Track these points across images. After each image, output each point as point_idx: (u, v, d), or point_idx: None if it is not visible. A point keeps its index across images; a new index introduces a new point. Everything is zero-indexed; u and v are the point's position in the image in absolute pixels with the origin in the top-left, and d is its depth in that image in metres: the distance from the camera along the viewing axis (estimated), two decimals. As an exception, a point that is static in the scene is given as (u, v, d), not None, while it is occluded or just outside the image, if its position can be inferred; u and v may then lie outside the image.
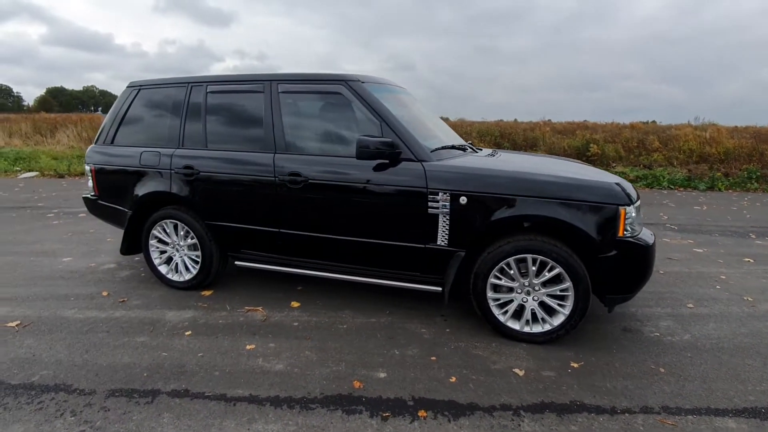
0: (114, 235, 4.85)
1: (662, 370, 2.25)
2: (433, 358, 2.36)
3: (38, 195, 7.47)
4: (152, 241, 3.28)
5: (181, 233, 3.19)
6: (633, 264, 2.36)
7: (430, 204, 2.49)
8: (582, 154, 11.61)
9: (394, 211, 2.59)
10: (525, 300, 2.49)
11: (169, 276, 3.30)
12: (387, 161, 2.56)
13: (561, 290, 2.40)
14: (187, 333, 2.62)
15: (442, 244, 2.54)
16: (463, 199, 2.43)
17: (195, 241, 3.14)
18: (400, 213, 2.58)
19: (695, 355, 2.41)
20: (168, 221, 3.18)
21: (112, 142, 3.38)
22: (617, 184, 2.37)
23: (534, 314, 2.49)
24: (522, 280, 2.46)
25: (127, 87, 3.40)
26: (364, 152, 2.46)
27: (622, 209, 2.28)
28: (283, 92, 2.87)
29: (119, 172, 3.31)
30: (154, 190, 3.13)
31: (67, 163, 10.67)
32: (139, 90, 3.32)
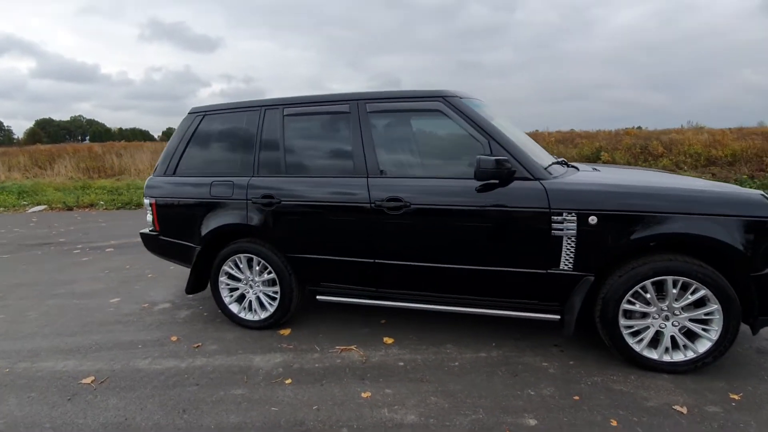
0: (155, 270, 4.56)
1: (834, 399, 2.04)
2: (576, 397, 2.12)
3: (56, 230, 7.14)
4: (222, 278, 3.03)
5: (257, 268, 2.93)
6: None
7: (553, 225, 2.29)
8: (593, 163, 11.58)
9: (511, 235, 2.38)
10: (663, 326, 2.27)
11: (242, 315, 3.03)
12: (498, 181, 2.37)
13: (705, 314, 2.20)
14: (287, 381, 2.35)
15: (566, 268, 2.32)
16: (592, 219, 2.23)
17: (273, 275, 2.88)
18: (517, 237, 2.37)
19: None
20: (242, 255, 2.93)
21: (174, 172, 3.14)
22: (763, 195, 2.20)
23: (674, 341, 2.28)
24: (660, 305, 2.25)
25: (190, 113, 3.19)
26: (485, 173, 2.27)
27: (774, 222, 2.10)
28: (372, 112, 2.67)
29: (185, 205, 3.07)
30: (229, 223, 2.89)
31: (75, 195, 10.33)
32: (204, 116, 3.12)
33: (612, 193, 2.24)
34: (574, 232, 2.26)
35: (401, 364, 2.50)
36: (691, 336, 2.27)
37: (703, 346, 2.23)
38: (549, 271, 2.35)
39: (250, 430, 1.95)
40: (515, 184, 2.36)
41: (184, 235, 3.11)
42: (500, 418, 1.98)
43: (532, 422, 1.95)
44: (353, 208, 2.61)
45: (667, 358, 2.29)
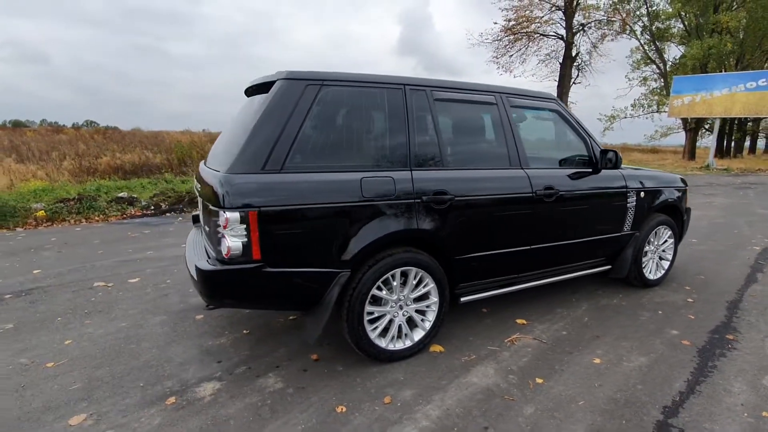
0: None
1: None
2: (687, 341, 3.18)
3: None
4: (368, 307, 2.29)
5: (413, 282, 2.41)
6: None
7: (628, 200, 3.24)
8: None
9: (610, 209, 3.17)
10: (652, 258, 3.67)
11: (392, 347, 2.40)
12: (591, 170, 3.09)
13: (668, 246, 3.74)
14: (539, 380, 2.25)
15: (626, 229, 3.34)
16: (642, 194, 3.33)
17: (429, 287, 2.47)
18: (612, 210, 3.19)
19: None
20: (398, 271, 2.33)
21: (281, 166, 2.04)
22: (681, 178, 3.91)
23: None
24: (655, 243, 3.62)
25: (296, 80, 2.12)
26: (607, 164, 2.94)
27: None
28: (513, 106, 2.77)
29: (321, 213, 2.08)
30: (395, 230, 2.23)
31: None
32: (321, 86, 2.17)
33: (646, 176, 3.41)
34: (634, 203, 3.30)
35: (564, 333, 2.83)
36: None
37: (666, 265, 3.77)
38: (622, 233, 3.30)
39: (613, 425, 1.91)
40: (604, 172, 3.14)
41: (314, 260, 2.10)
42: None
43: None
44: (520, 199, 2.67)
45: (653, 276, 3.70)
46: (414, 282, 2.42)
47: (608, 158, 3.01)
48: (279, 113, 2.07)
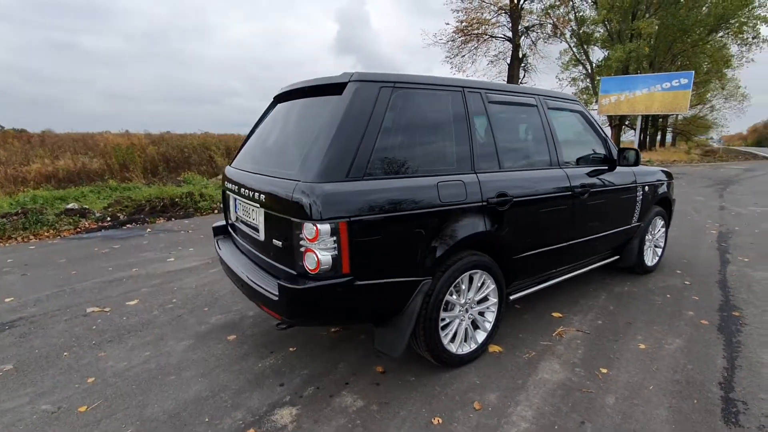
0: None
1: None
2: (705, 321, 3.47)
3: None
4: (442, 314, 2.26)
5: (477, 284, 2.42)
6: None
7: (638, 194, 3.50)
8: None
9: (625, 203, 3.39)
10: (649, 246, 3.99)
11: (460, 351, 2.39)
12: (607, 167, 3.29)
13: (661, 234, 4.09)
14: (603, 370, 2.36)
15: (635, 221, 3.60)
16: (647, 188, 3.61)
17: (490, 289, 2.49)
18: (626, 204, 3.41)
19: None
20: (467, 275, 2.32)
21: (364, 173, 1.93)
22: (662, 170, 4.27)
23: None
24: (652, 232, 3.94)
25: (367, 81, 2.00)
26: (624, 162, 3.16)
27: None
28: (549, 108, 2.86)
29: (409, 220, 2.00)
30: (470, 234, 2.21)
31: None
32: (393, 89, 2.08)
33: (647, 172, 3.68)
34: (641, 197, 3.56)
35: (600, 322, 2.99)
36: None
37: (659, 252, 4.13)
38: (630, 225, 3.55)
39: (690, 406, 2.05)
40: (618, 169, 3.36)
41: (399, 269, 2.02)
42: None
43: None
44: (562, 198, 2.77)
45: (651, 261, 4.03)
46: (478, 285, 2.42)
47: (625, 156, 3.22)
48: (358, 117, 1.95)
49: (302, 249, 1.86)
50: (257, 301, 2.13)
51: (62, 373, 2.40)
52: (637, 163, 3.28)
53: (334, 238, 1.81)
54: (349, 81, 2.03)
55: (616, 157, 3.25)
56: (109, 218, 6.80)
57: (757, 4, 20.36)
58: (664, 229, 4.07)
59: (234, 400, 2.15)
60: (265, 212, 2.11)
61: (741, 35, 21.84)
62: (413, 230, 2.04)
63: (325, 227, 1.79)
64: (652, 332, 2.83)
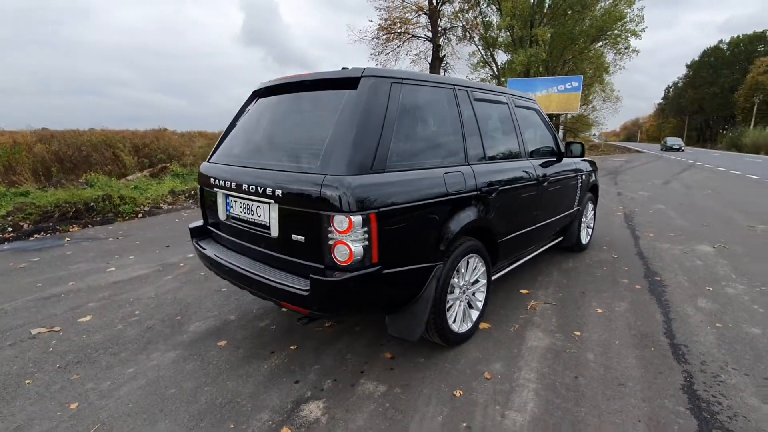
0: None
1: None
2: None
3: None
4: (448, 296, 2.43)
5: (472, 268, 2.63)
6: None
7: (578, 182, 4.02)
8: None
9: (571, 189, 3.88)
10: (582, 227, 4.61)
11: (460, 330, 2.58)
12: (556, 159, 3.76)
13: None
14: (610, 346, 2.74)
15: (576, 206, 4.14)
16: (583, 177, 4.16)
17: (480, 271, 2.72)
18: (572, 190, 3.90)
19: None
20: (465, 259, 2.52)
21: (384, 165, 2.00)
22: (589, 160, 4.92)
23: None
24: (586, 215, 4.55)
25: (383, 78, 2.06)
26: (570, 154, 3.64)
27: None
28: (517, 106, 3.18)
29: (421, 210, 2.11)
30: (471, 220, 2.41)
31: None
32: (402, 85, 2.16)
33: (582, 163, 4.23)
34: (581, 183, 4.11)
35: (561, 294, 3.41)
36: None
37: (589, 231, 4.78)
38: (573, 210, 4.07)
39: (651, 353, 2.49)
40: (565, 160, 3.83)
41: (417, 256, 2.13)
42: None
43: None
44: (532, 186, 3.10)
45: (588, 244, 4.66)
46: (472, 268, 2.63)
47: (571, 149, 3.69)
48: (377, 111, 2.02)
49: (331, 242, 1.88)
50: (275, 298, 2.08)
51: (33, 403, 2.09)
52: (582, 155, 3.78)
53: (365, 228, 1.87)
54: (362, 76, 2.08)
55: (563, 150, 3.72)
56: (10, 228, 5.81)
57: (628, 19, 23.89)
58: (593, 212, 4.72)
59: (253, 403, 2.08)
60: (280, 208, 2.07)
61: (616, 45, 25.45)
62: (429, 219, 2.17)
63: (358, 218, 1.83)
64: (602, 299, 3.32)
